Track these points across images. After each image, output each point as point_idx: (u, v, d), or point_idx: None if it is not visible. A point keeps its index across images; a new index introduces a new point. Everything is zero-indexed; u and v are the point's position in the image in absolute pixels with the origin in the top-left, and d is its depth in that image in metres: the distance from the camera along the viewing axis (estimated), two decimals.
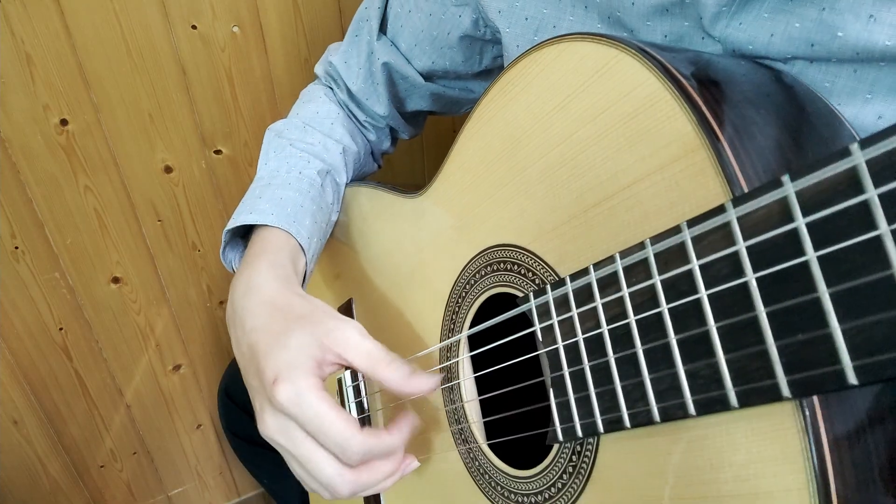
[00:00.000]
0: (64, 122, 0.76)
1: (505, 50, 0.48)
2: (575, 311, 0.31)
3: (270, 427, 0.38)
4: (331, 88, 0.63)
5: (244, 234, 0.56)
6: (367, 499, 0.58)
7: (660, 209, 0.28)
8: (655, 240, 0.27)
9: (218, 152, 0.86)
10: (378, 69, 0.58)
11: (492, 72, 0.57)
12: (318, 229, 0.54)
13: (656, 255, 0.27)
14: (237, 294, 0.44)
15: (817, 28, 0.31)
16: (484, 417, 0.44)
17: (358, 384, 0.57)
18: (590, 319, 0.31)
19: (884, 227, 0.19)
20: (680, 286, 0.26)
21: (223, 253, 0.55)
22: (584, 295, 0.31)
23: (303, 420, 0.36)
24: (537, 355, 0.35)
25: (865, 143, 0.19)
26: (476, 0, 0.48)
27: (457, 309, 0.45)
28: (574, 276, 0.31)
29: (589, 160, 0.32)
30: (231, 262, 0.56)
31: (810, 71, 0.32)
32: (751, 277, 0.23)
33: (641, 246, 0.27)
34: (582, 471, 0.34)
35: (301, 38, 0.84)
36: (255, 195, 0.53)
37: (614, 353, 0.29)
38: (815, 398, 0.23)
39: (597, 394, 0.31)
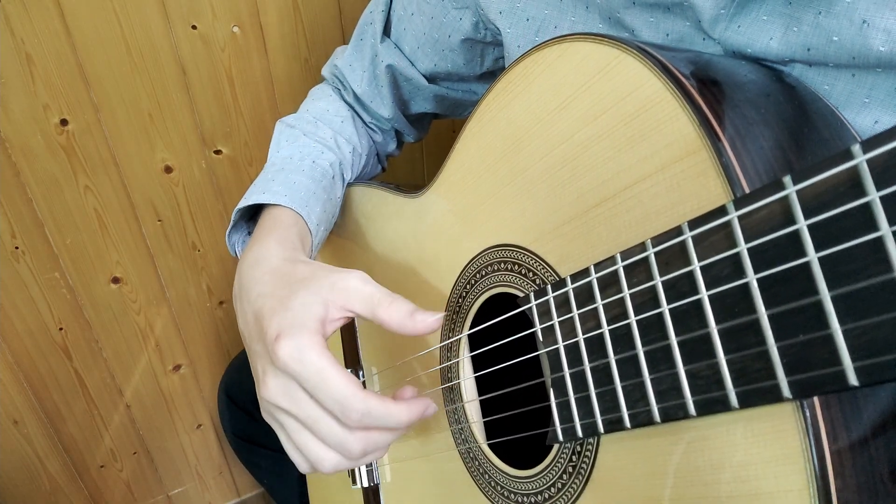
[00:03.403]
0: (64, 122, 0.75)
1: (506, 51, 0.48)
2: (576, 312, 0.31)
3: (272, 389, 0.36)
4: (338, 89, 0.63)
5: (250, 218, 0.56)
6: (366, 497, 0.58)
7: (661, 210, 0.28)
8: (656, 240, 0.27)
9: (218, 152, 0.86)
10: (382, 72, 0.58)
11: (494, 74, 0.57)
12: (326, 219, 0.54)
13: (657, 256, 0.27)
14: (244, 268, 0.44)
15: (813, 32, 0.31)
16: (484, 417, 0.44)
17: (363, 382, 0.57)
18: (590, 320, 0.31)
19: (885, 229, 0.19)
20: (681, 287, 0.26)
21: (228, 234, 0.55)
22: (584, 295, 0.31)
23: (304, 377, 0.35)
24: (538, 355, 0.35)
25: (867, 144, 0.19)
26: (476, 2, 0.48)
27: (458, 309, 0.45)
28: (575, 277, 0.31)
29: (590, 160, 0.32)
30: (234, 245, 0.56)
31: (809, 74, 0.32)
32: (752, 278, 0.23)
33: (642, 246, 0.27)
34: (582, 471, 0.34)
35: (301, 38, 0.84)
36: (268, 178, 0.53)
37: (615, 353, 0.29)
38: (815, 399, 0.23)
39: (597, 394, 0.31)
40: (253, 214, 0.55)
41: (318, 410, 0.36)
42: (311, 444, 0.37)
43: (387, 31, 0.57)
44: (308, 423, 0.36)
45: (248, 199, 0.51)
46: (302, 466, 0.39)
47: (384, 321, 0.37)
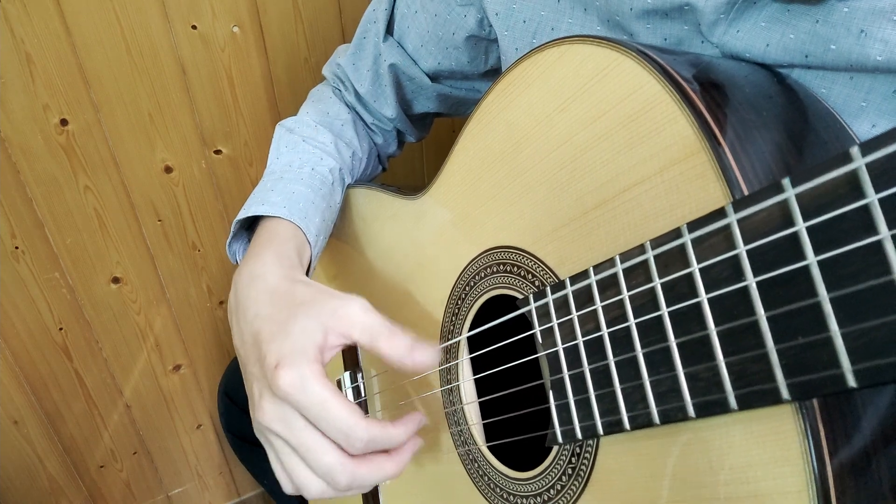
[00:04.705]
0: (64, 122, 0.75)
1: (503, 54, 0.48)
2: (575, 314, 0.31)
3: (268, 414, 0.37)
4: (338, 90, 0.63)
5: (249, 226, 0.56)
6: (365, 499, 0.58)
7: (660, 212, 0.28)
8: (656, 242, 0.27)
9: (218, 152, 0.86)
10: (385, 71, 0.58)
11: (498, 71, 0.57)
12: (325, 227, 0.54)
13: (656, 258, 0.27)
14: (241, 284, 0.44)
15: (811, 40, 0.31)
16: (483, 419, 0.44)
17: (358, 385, 0.57)
18: (590, 322, 0.31)
19: (884, 232, 0.19)
20: (680, 289, 0.26)
21: (229, 244, 0.55)
22: (583, 297, 0.31)
23: (305, 406, 0.35)
24: (537, 357, 0.35)
25: (866, 147, 0.19)
26: (480, 0, 0.48)
27: (456, 311, 0.45)
28: (574, 279, 0.31)
29: (589, 162, 0.32)
30: (235, 254, 0.56)
31: (807, 76, 0.32)
32: (751, 281, 0.23)
33: (641, 248, 0.27)
34: (581, 473, 0.34)
35: (301, 38, 0.84)
36: (267, 188, 0.53)
37: (614, 355, 0.29)
38: (814, 401, 0.23)
39: (596, 396, 0.31)
40: (252, 224, 0.55)
41: (312, 440, 0.36)
42: (299, 470, 0.37)
43: (390, 30, 0.57)
44: (300, 451, 0.37)
45: (247, 211, 0.51)
46: (286, 487, 0.39)
47: (384, 353, 0.37)
